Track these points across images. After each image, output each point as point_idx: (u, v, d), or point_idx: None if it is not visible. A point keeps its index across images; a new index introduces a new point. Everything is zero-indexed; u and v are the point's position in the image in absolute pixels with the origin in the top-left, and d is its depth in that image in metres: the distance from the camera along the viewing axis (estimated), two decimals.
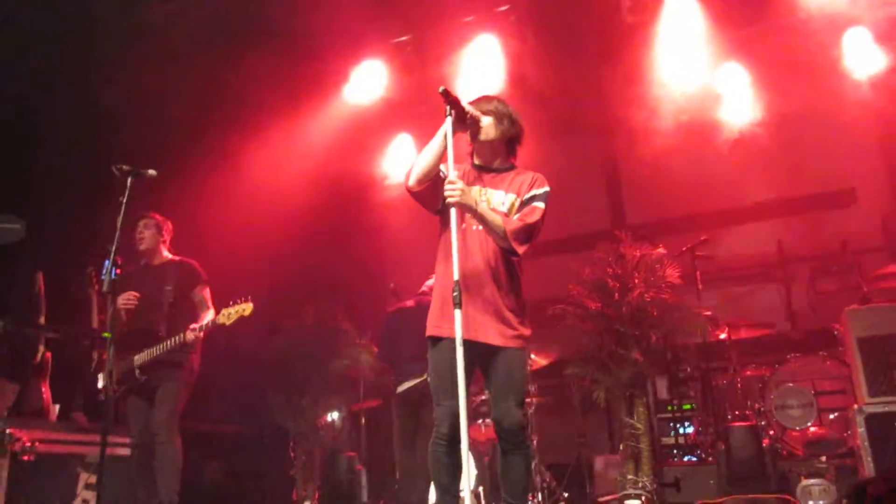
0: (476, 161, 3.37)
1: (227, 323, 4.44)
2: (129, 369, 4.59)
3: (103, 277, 3.74)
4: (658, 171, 7.01)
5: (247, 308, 4.44)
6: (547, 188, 3.27)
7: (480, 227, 3.17)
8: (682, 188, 7.28)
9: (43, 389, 5.45)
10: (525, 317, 3.23)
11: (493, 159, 3.35)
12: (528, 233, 3.14)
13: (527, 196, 3.24)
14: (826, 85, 6.76)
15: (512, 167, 3.37)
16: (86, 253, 5.30)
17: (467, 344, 3.02)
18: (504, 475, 3.20)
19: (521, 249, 3.13)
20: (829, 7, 6.25)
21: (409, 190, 3.20)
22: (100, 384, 4.77)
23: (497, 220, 3.11)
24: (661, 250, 5.30)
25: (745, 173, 7.14)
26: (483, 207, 3.11)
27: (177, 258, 4.95)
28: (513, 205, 3.23)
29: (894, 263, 5.80)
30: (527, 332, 3.21)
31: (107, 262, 3.75)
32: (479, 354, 3.12)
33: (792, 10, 6.39)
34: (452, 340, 2.83)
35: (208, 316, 4.67)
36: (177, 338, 4.50)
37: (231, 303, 4.46)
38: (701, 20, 6.73)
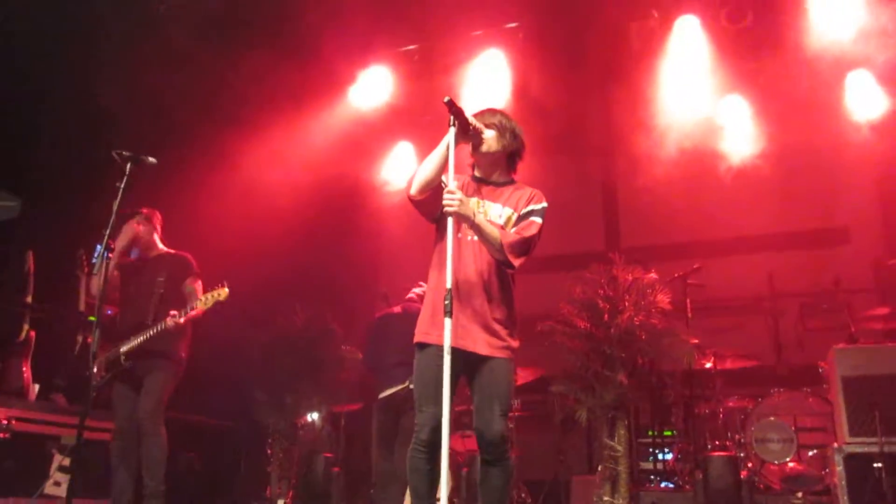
0: (476, 173, 3.39)
1: (204, 308, 4.53)
2: (115, 357, 4.60)
3: (94, 260, 3.74)
4: (655, 196, 7.04)
5: (222, 293, 4.52)
6: (545, 204, 3.29)
7: (475, 238, 3.18)
8: (678, 215, 7.32)
9: (24, 368, 5.42)
10: (515, 329, 3.24)
11: (493, 172, 3.37)
12: (524, 246, 3.15)
13: (524, 210, 3.26)
14: (826, 124, 6.83)
15: (511, 181, 3.39)
16: (78, 235, 5.30)
17: (455, 352, 3.03)
18: (483, 487, 3.18)
19: (516, 262, 3.13)
20: (833, 48, 6.31)
21: (410, 198, 3.21)
22: (94, 370, 4.77)
23: (494, 232, 3.12)
24: (653, 275, 5.32)
25: (741, 205, 7.19)
26: (480, 219, 3.12)
27: (171, 251, 4.97)
28: (509, 219, 3.25)
29: (883, 305, 5.82)
30: (515, 344, 3.22)
31: (99, 245, 3.76)
32: (466, 363, 3.12)
33: (798, 48, 6.45)
34: (440, 347, 2.83)
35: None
36: (160, 325, 4.51)
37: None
38: (707, 51, 6.80)
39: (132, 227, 4.82)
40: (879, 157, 6.63)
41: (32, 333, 5.57)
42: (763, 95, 7.03)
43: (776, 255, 7.31)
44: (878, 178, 7.12)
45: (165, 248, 4.97)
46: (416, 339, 3.23)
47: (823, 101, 6.69)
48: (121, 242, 4.73)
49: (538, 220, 3.23)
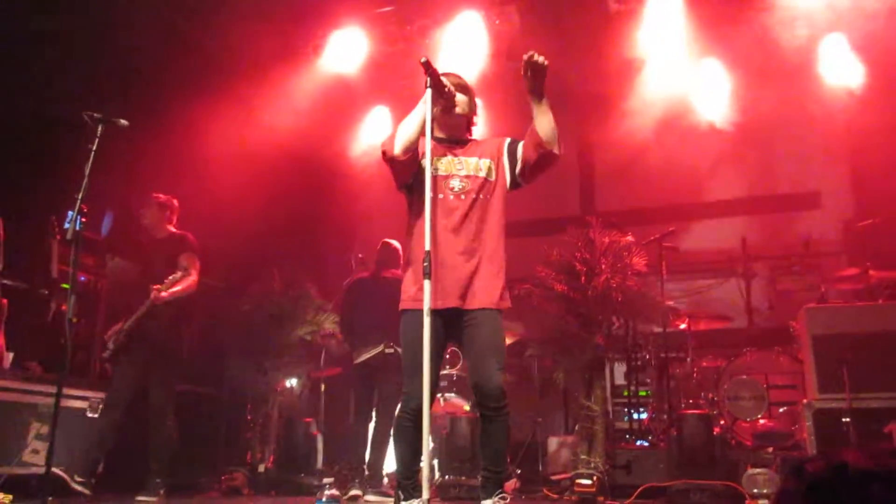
0: (438, 135, 3.30)
1: (170, 292, 4.74)
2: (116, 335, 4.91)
3: (67, 226, 3.68)
4: (631, 160, 7.09)
5: (175, 277, 4.76)
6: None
7: (463, 196, 3.18)
8: (653, 179, 7.38)
9: None
10: (504, 284, 3.22)
11: (459, 133, 3.40)
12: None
13: (507, 144, 3.34)
14: (800, 89, 6.87)
15: (469, 139, 3.44)
16: (49, 201, 5.21)
17: (444, 313, 3.05)
18: (484, 443, 3.16)
19: (558, 150, 3.20)
20: (809, 13, 6.33)
21: (393, 158, 3.16)
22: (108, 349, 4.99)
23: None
24: (629, 238, 5.37)
25: (716, 169, 7.26)
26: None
27: (176, 232, 5.15)
28: (489, 167, 3.28)
29: (851, 267, 5.95)
30: (507, 302, 3.21)
31: (70, 211, 3.68)
32: (455, 322, 3.12)
33: (773, 12, 6.45)
34: (431, 311, 2.83)
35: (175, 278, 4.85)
36: (147, 303, 4.74)
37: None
38: (683, 14, 6.78)
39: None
40: (851, 122, 6.71)
41: (5, 302, 5.48)
42: (738, 60, 7.04)
43: (749, 218, 7.41)
44: (849, 142, 7.21)
45: (173, 230, 5.15)
46: (404, 305, 3.19)
47: (798, 66, 6.72)
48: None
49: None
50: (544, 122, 3.18)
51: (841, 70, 6.70)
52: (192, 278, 4.89)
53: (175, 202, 5.24)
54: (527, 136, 3.26)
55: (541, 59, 3.10)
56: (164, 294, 4.70)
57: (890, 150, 6.11)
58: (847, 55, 6.68)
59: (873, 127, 6.20)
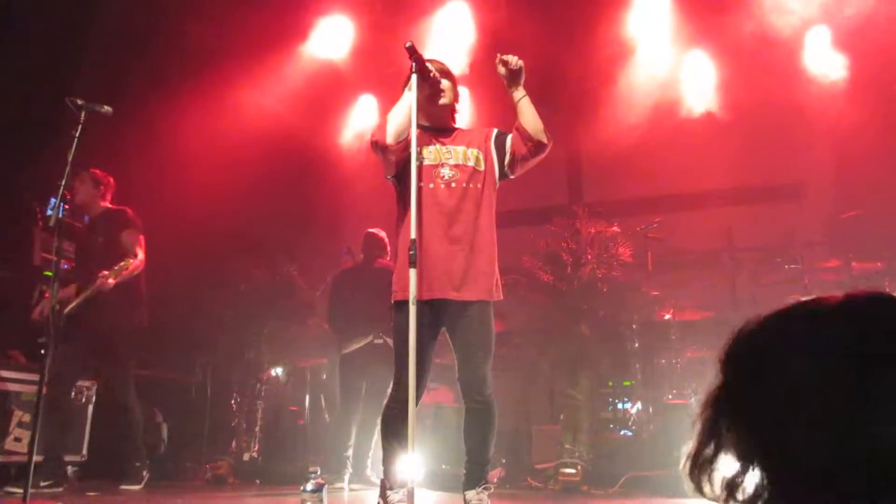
0: (423, 123, 3.28)
1: (116, 278, 4.47)
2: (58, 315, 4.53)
3: (49, 213, 3.65)
4: (618, 151, 7.09)
5: (127, 263, 4.52)
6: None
7: (454, 185, 3.17)
8: (640, 170, 7.38)
9: None
10: (497, 275, 3.22)
11: (444, 121, 3.38)
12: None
13: (494, 136, 3.32)
14: (785, 81, 6.90)
15: (455, 128, 3.41)
16: (32, 187, 5.15)
17: (436, 303, 3.04)
18: (469, 434, 3.16)
19: (549, 142, 3.21)
20: (794, 5, 6.36)
21: (385, 147, 3.13)
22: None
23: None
24: (615, 229, 5.39)
25: (702, 161, 7.27)
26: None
27: (113, 207, 4.88)
28: (477, 157, 3.26)
29: (834, 258, 6.00)
30: (499, 293, 3.21)
31: (53, 199, 3.65)
32: (448, 313, 3.12)
33: (759, 3, 6.47)
34: (423, 303, 2.83)
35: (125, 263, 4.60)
36: (92, 287, 4.45)
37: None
38: (670, 5, 6.79)
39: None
40: (834, 114, 6.75)
41: None
42: (724, 51, 7.06)
43: (734, 209, 7.44)
44: (832, 135, 7.26)
45: (108, 206, 4.87)
46: (396, 296, 3.15)
47: (783, 58, 6.75)
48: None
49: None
50: (528, 115, 3.20)
51: (825, 62, 6.73)
52: (140, 258, 4.64)
53: (111, 179, 4.94)
54: (514, 131, 3.26)
55: (513, 59, 3.13)
56: (111, 281, 4.44)
57: (873, 141, 6.15)
58: (831, 48, 6.72)
59: (857, 119, 6.24)
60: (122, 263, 4.50)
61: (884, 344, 0.80)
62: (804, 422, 0.79)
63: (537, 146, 3.20)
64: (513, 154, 3.26)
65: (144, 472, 4.71)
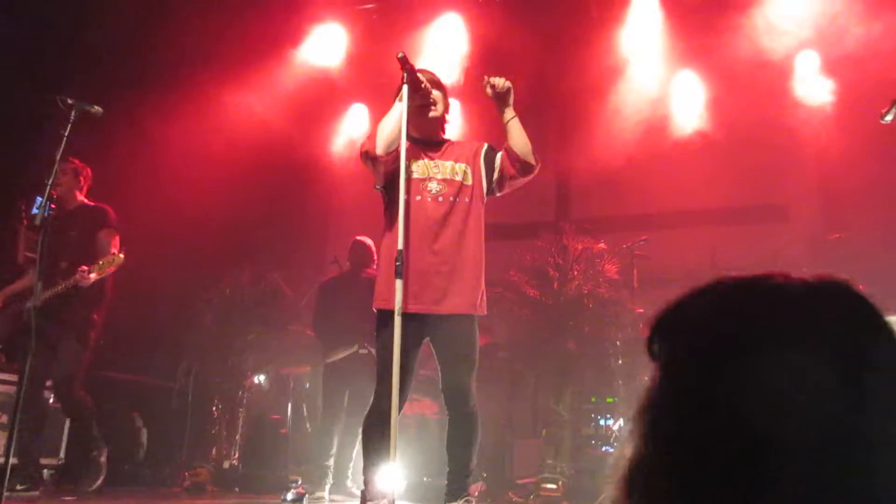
0: (413, 135, 3.26)
1: (100, 273, 4.34)
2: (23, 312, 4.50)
3: (35, 212, 3.62)
4: (607, 168, 7.13)
5: (116, 259, 4.38)
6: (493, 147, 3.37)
7: (440, 199, 3.17)
8: (627, 188, 7.43)
9: None
10: (483, 289, 3.23)
11: (434, 133, 3.38)
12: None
13: (483, 152, 3.33)
14: (771, 103, 6.98)
15: (444, 140, 3.41)
16: (16, 185, 5.10)
17: (420, 315, 3.04)
18: (451, 447, 3.15)
19: (537, 164, 3.22)
20: (784, 29, 6.44)
21: (376, 158, 3.14)
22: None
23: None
24: (602, 245, 5.42)
25: (689, 180, 7.33)
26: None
27: (90, 203, 4.76)
28: (465, 172, 3.26)
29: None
30: (483, 308, 3.21)
31: (39, 198, 3.63)
32: (432, 325, 3.12)
33: (749, 26, 6.56)
34: (406, 314, 2.82)
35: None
36: (69, 281, 4.33)
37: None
38: (662, 25, 6.86)
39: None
40: (821, 137, 6.83)
41: None
42: (714, 72, 7.14)
43: (719, 229, 7.49)
44: (817, 157, 7.34)
45: (85, 201, 4.75)
46: (377, 305, 3.16)
47: (772, 80, 6.84)
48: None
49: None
50: (517, 136, 3.21)
51: (814, 86, 6.83)
52: (120, 259, 4.46)
53: (89, 171, 4.79)
54: (503, 151, 3.27)
55: (500, 81, 3.14)
56: (92, 276, 4.30)
57: (859, 165, 6.23)
58: (820, 72, 6.81)
59: (843, 142, 6.32)
60: (107, 259, 4.36)
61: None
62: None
63: (525, 167, 3.21)
64: (501, 172, 3.27)
65: (102, 461, 4.47)
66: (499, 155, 3.29)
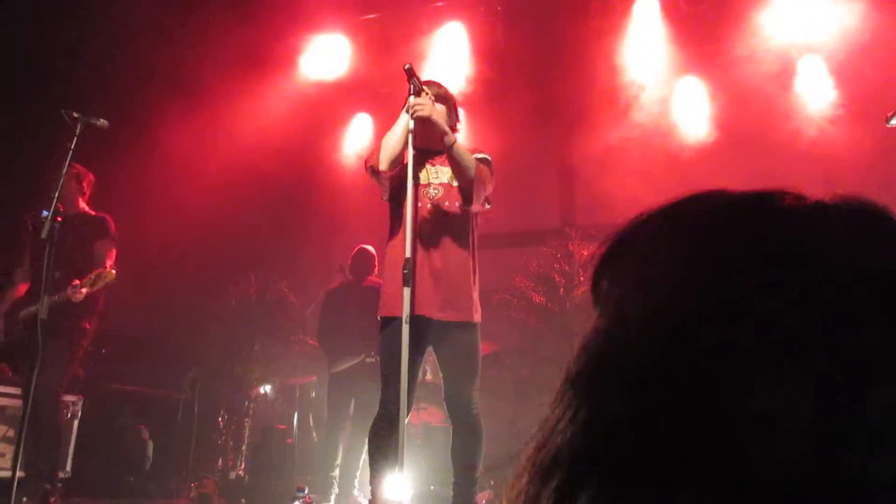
0: (418, 146, 3.22)
1: (91, 289, 4.19)
2: (14, 321, 4.44)
3: (41, 223, 3.64)
4: (612, 174, 7.12)
5: (108, 275, 4.23)
6: (488, 156, 3.33)
7: (437, 205, 3.18)
8: (632, 194, 7.41)
9: None
10: (477, 295, 3.23)
11: (437, 143, 3.35)
12: (488, 175, 3.18)
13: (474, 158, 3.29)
14: (776, 109, 6.97)
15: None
16: (23, 198, 5.11)
17: (420, 320, 3.03)
18: (456, 455, 3.16)
19: (486, 188, 3.15)
20: (788, 34, 6.44)
21: (379, 172, 3.16)
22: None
23: (468, 155, 3.12)
24: None
25: (694, 186, 7.25)
26: (454, 137, 3.13)
27: (91, 212, 4.67)
28: None
29: None
30: (479, 314, 3.22)
31: (45, 211, 3.65)
32: (432, 331, 3.12)
33: (753, 32, 6.56)
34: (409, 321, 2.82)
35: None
36: (58, 296, 4.15)
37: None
38: (665, 31, 6.86)
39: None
40: (826, 142, 6.81)
41: None
42: (717, 78, 7.14)
43: None
44: (823, 163, 7.32)
45: (86, 209, 4.65)
46: (382, 312, 3.17)
47: (774, 86, 6.83)
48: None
49: (488, 165, 3.27)
50: (453, 166, 3.13)
51: (818, 90, 6.81)
52: (111, 276, 4.28)
53: (92, 177, 4.66)
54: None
55: (419, 107, 2.98)
56: (84, 291, 4.16)
57: (864, 170, 6.21)
58: (823, 77, 6.80)
59: (848, 147, 6.30)
60: (100, 275, 4.20)
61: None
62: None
63: (470, 185, 3.16)
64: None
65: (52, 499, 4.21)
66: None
